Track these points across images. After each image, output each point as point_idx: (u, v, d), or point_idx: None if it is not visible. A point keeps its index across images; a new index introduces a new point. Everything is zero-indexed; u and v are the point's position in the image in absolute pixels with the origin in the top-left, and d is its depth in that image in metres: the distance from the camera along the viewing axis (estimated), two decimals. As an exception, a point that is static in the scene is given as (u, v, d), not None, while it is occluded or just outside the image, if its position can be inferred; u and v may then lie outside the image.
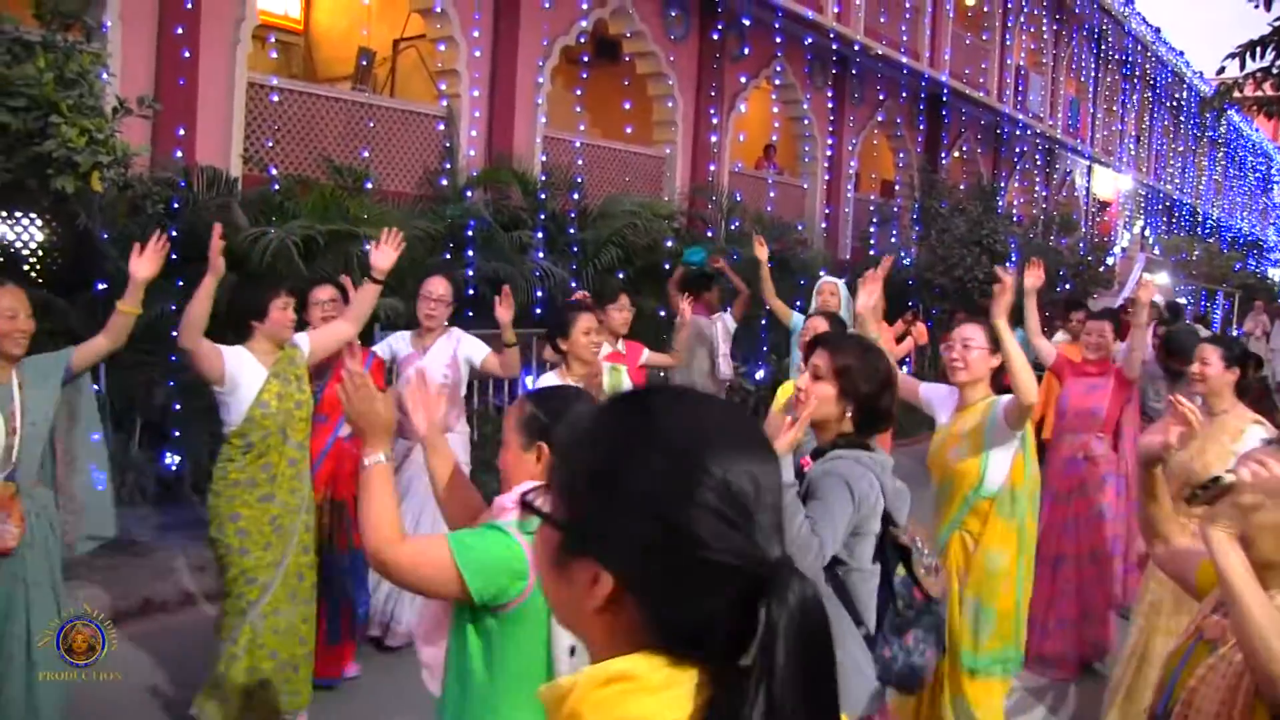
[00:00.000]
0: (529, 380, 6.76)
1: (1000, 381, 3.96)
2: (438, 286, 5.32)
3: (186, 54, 7.95)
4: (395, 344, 5.36)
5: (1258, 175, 44.50)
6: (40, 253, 6.65)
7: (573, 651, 2.20)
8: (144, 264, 3.85)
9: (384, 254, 4.30)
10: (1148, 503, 2.58)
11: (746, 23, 13.38)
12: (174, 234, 6.86)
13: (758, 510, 0.97)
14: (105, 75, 5.50)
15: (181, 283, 6.72)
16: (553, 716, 0.97)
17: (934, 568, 2.85)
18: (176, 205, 6.98)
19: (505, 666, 2.19)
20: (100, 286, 6.22)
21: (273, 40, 11.23)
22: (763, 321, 10.14)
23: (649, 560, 0.95)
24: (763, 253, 7.13)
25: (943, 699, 3.79)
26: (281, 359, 4.22)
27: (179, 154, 7.66)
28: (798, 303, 7.12)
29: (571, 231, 9.90)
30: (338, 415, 4.80)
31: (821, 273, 10.26)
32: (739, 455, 0.98)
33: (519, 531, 2.16)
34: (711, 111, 13.33)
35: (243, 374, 4.09)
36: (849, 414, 2.79)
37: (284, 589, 4.16)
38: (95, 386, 5.67)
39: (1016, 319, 4.65)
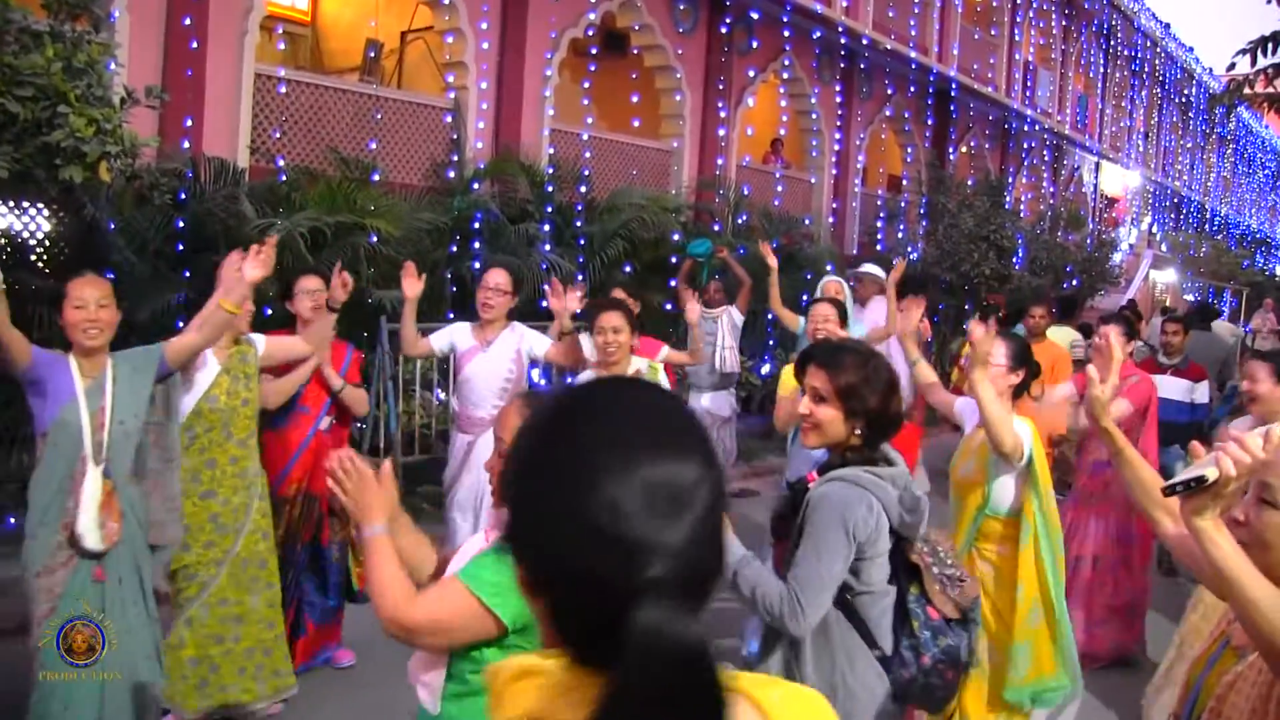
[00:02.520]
0: (535, 374, 6.75)
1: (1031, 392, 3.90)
2: (496, 276, 5.21)
3: (194, 45, 7.95)
4: (456, 336, 5.24)
5: (1267, 172, 44.32)
6: (47, 243, 6.66)
7: None
8: (254, 268, 3.85)
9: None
10: (1120, 466, 2.54)
11: (755, 16, 13.36)
12: (180, 225, 6.92)
13: (647, 527, 0.92)
14: (113, 65, 5.50)
15: (189, 274, 6.75)
16: (489, 695, 1.02)
17: (955, 579, 2.74)
18: (184, 196, 6.99)
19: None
20: (108, 277, 6.20)
21: (280, 31, 11.23)
22: (769, 315, 10.12)
23: (540, 564, 0.97)
24: (772, 260, 7.11)
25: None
26: (234, 355, 4.26)
27: (186, 145, 7.66)
28: (804, 296, 7.11)
29: (578, 224, 9.89)
30: (319, 406, 4.82)
31: (829, 268, 10.26)
32: (646, 466, 0.94)
33: None
34: (719, 105, 13.30)
35: (198, 365, 4.12)
36: (858, 431, 2.68)
37: (232, 579, 4.18)
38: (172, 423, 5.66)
39: (1015, 320, 4.67)
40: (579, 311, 5.16)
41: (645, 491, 0.93)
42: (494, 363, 5.12)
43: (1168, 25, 28.99)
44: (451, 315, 5.51)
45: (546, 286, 5.24)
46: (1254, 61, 12.94)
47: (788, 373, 4.36)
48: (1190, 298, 22.92)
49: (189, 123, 7.80)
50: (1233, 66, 13.70)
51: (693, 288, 8.32)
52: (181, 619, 4.13)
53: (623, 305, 4.94)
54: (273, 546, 4.39)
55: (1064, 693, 3.80)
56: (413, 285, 4.96)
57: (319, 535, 4.89)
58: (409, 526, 2.44)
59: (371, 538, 2.20)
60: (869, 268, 7.45)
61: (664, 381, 4.79)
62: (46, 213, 6.41)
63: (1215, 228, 35.51)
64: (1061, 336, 8.41)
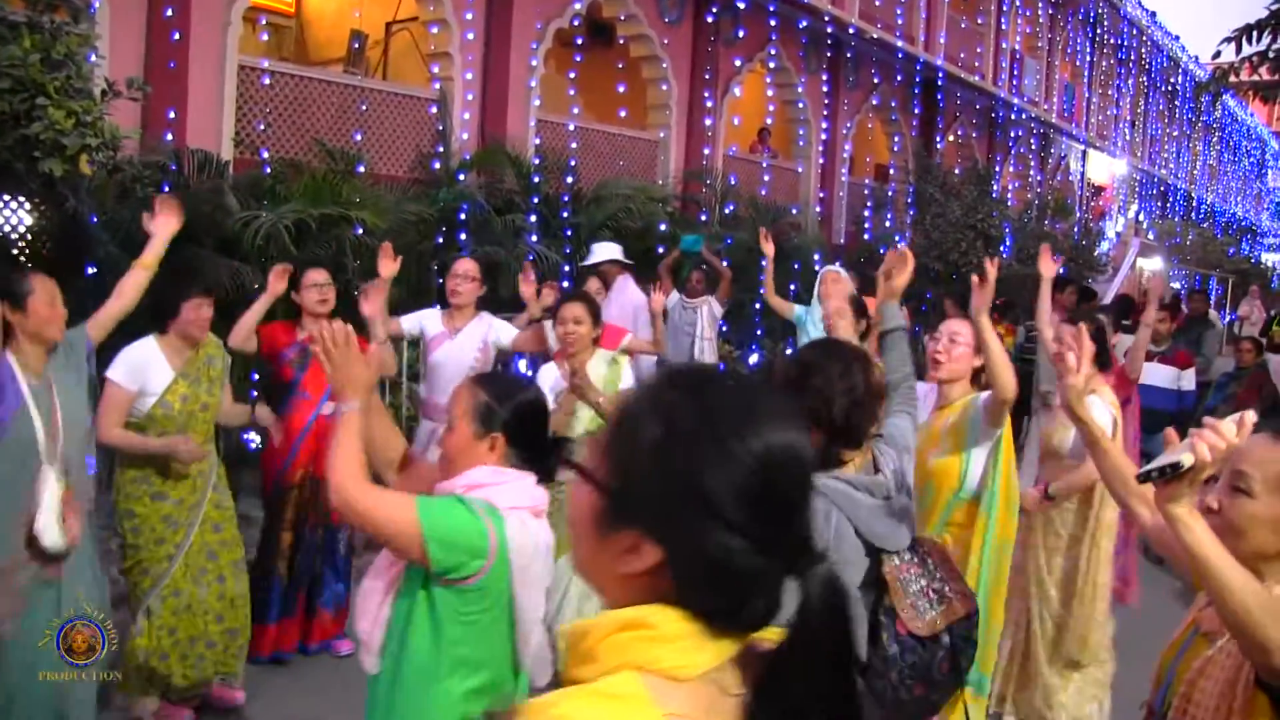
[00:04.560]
0: (522, 365, 6.74)
1: (982, 381, 3.87)
2: (464, 264, 5.37)
3: (176, 36, 7.89)
4: (425, 321, 5.34)
5: (1252, 160, 44.49)
6: (29, 237, 6.60)
7: (548, 627, 2.22)
8: (164, 222, 3.91)
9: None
10: (1097, 456, 2.54)
11: (741, 6, 13.31)
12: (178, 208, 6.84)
13: (797, 499, 1.05)
14: (93, 57, 5.45)
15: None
16: (569, 656, 1.04)
17: (941, 595, 2.67)
18: (167, 188, 6.93)
19: (450, 638, 2.24)
20: (91, 270, 6.17)
21: (264, 23, 11.17)
22: (756, 305, 10.12)
23: (689, 541, 1.01)
24: (769, 249, 7.12)
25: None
26: (197, 359, 4.22)
27: (169, 137, 7.61)
28: (791, 286, 7.11)
29: (565, 215, 9.86)
30: (320, 392, 4.82)
31: (837, 262, 10.25)
32: (784, 443, 1.04)
33: (486, 514, 2.22)
34: (706, 95, 13.27)
35: (149, 373, 4.09)
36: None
37: (185, 570, 4.18)
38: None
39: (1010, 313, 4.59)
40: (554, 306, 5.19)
41: (792, 464, 1.05)
42: (461, 350, 5.21)
43: (1154, 14, 29.03)
44: (437, 307, 5.54)
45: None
46: (1239, 49, 12.97)
47: None
48: (1177, 285, 23.00)
49: (172, 115, 7.74)
50: (1218, 54, 13.73)
51: (675, 279, 8.34)
52: (140, 611, 4.14)
53: (585, 296, 4.97)
54: (227, 539, 4.35)
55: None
56: (388, 266, 4.95)
57: (329, 518, 4.90)
58: (382, 411, 2.62)
59: (346, 412, 2.31)
60: (608, 250, 7.23)
61: (628, 373, 4.77)
62: (27, 206, 6.36)
63: (1201, 216, 35.64)
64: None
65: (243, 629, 4.42)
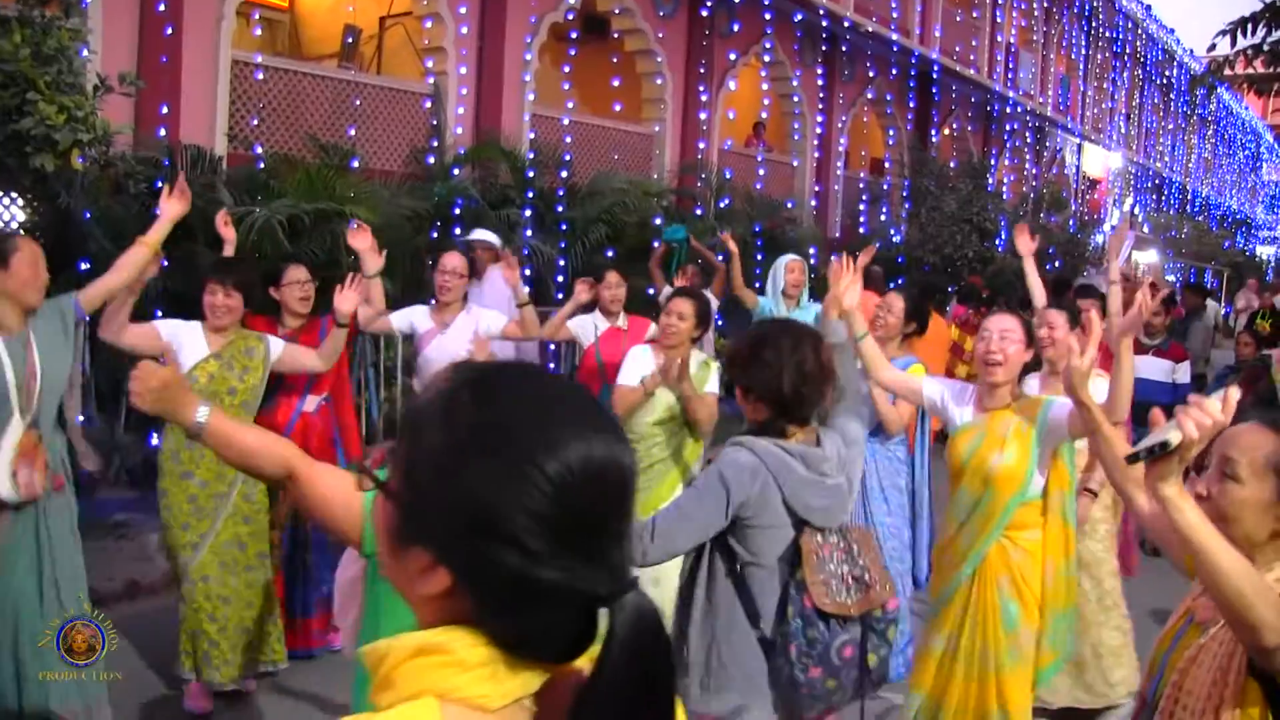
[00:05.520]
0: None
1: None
2: (452, 259, 5.37)
3: (169, 31, 7.86)
4: (414, 318, 5.35)
5: (1247, 153, 44.52)
6: (22, 232, 6.58)
7: None
8: (174, 203, 3.99)
9: (346, 299, 4.32)
10: (1098, 442, 2.54)
11: (735, 0, 13.30)
12: (157, 213, 6.82)
13: (603, 519, 0.94)
14: (85, 52, 5.43)
15: (166, 263, 6.67)
16: (372, 678, 0.95)
17: (860, 582, 2.63)
18: (160, 184, 6.90)
19: (400, 629, 2.21)
20: (84, 266, 6.15)
21: (257, 17, 11.13)
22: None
23: (482, 568, 0.91)
24: (733, 247, 7.40)
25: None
26: (235, 345, 4.32)
27: (162, 132, 7.58)
28: (759, 284, 7.20)
29: (560, 210, 9.85)
30: (302, 385, 4.83)
31: (811, 251, 10.26)
32: (587, 458, 0.93)
33: None
34: (701, 89, 13.25)
35: (183, 346, 4.21)
36: (763, 409, 2.69)
37: (214, 559, 4.25)
38: (80, 365, 5.65)
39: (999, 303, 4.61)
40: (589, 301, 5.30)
41: (595, 478, 0.93)
42: (452, 344, 5.20)
43: (1149, 6, 29.05)
44: (434, 302, 5.53)
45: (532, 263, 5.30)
46: (1234, 42, 12.95)
47: None
48: (1172, 278, 23.02)
49: (165, 110, 7.71)
50: (1213, 47, 13.71)
51: (665, 272, 8.36)
52: (180, 592, 4.27)
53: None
54: (256, 531, 4.40)
55: (1059, 666, 3.72)
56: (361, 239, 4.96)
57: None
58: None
59: (207, 421, 1.97)
60: (481, 233, 7.22)
61: (714, 378, 4.67)
62: (20, 202, 6.34)
63: (1196, 208, 35.69)
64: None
65: (276, 615, 4.52)
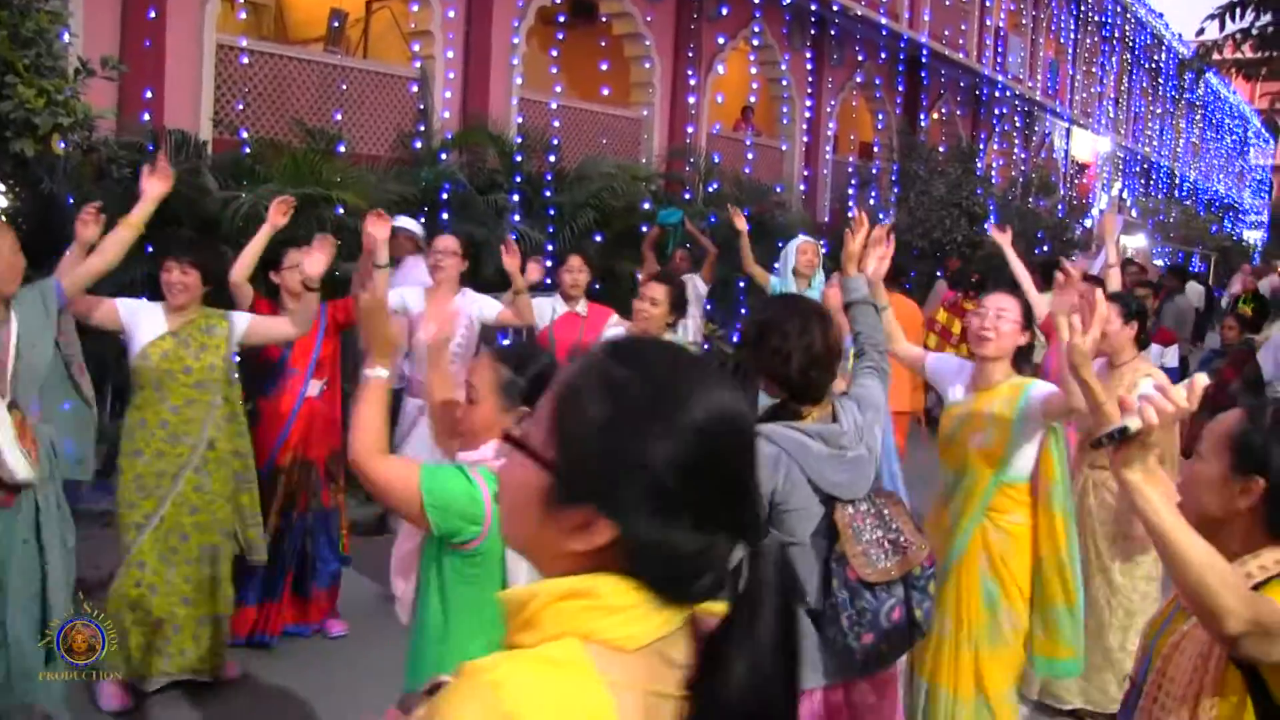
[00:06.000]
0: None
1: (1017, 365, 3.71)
2: (446, 240, 5.37)
3: (152, 14, 7.77)
4: (408, 298, 5.30)
5: (1234, 138, 44.58)
6: (4, 218, 6.53)
7: None
8: (156, 182, 3.98)
9: (314, 261, 4.30)
10: (1099, 421, 2.54)
11: (724, -18, 13.23)
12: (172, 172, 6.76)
13: (743, 466, 1.06)
14: (66, 36, 5.37)
15: (151, 249, 6.63)
16: (510, 622, 1.03)
17: (897, 545, 2.69)
18: (144, 169, 6.85)
19: (457, 601, 2.35)
20: (68, 253, 6.11)
21: (242, 1, 11.03)
22: (740, 284, 10.10)
23: (646, 520, 1.00)
24: (742, 223, 7.19)
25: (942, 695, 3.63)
26: (194, 323, 4.25)
27: (146, 117, 7.52)
28: (774, 266, 7.10)
29: (548, 194, 9.80)
30: (306, 367, 4.80)
31: (801, 235, 10.21)
32: (727, 411, 1.05)
33: (484, 480, 2.28)
34: (689, 73, 13.20)
35: (140, 324, 4.17)
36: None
37: (152, 545, 4.16)
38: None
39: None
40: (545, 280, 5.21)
41: (741, 435, 1.07)
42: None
43: (1137, -10, 29.02)
44: (465, 288, 5.52)
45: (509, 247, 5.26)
46: (1222, 27, 12.95)
47: None
48: (1160, 263, 23.07)
49: (149, 95, 7.65)
50: (1201, 32, 13.72)
51: (659, 256, 8.34)
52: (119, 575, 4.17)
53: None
54: (203, 523, 4.29)
55: (1075, 666, 3.74)
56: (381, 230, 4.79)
57: (320, 500, 4.92)
58: (445, 367, 2.75)
59: (371, 378, 2.39)
60: (403, 221, 7.18)
61: None
62: (3, 188, 6.29)
63: (1184, 193, 35.75)
64: (1043, 304, 8.42)
65: (219, 619, 4.37)
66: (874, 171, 17.11)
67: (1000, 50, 21.48)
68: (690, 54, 13.20)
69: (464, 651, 2.26)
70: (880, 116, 18.00)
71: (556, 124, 11.06)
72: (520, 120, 10.78)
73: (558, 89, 11.64)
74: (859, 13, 15.66)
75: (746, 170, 13.46)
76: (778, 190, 13.79)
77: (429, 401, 2.74)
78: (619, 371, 1.05)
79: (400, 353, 2.50)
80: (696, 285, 8.18)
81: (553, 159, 10.33)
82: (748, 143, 14.32)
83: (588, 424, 1.03)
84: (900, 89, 18.02)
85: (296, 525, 4.90)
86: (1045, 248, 16.44)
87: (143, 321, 4.19)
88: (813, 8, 14.91)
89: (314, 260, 4.28)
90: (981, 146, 19.37)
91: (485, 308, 5.32)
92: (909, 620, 2.72)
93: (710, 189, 12.16)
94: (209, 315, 4.31)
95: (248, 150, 7.89)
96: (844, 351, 2.89)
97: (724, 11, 13.58)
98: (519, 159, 9.87)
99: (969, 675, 3.60)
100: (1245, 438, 1.98)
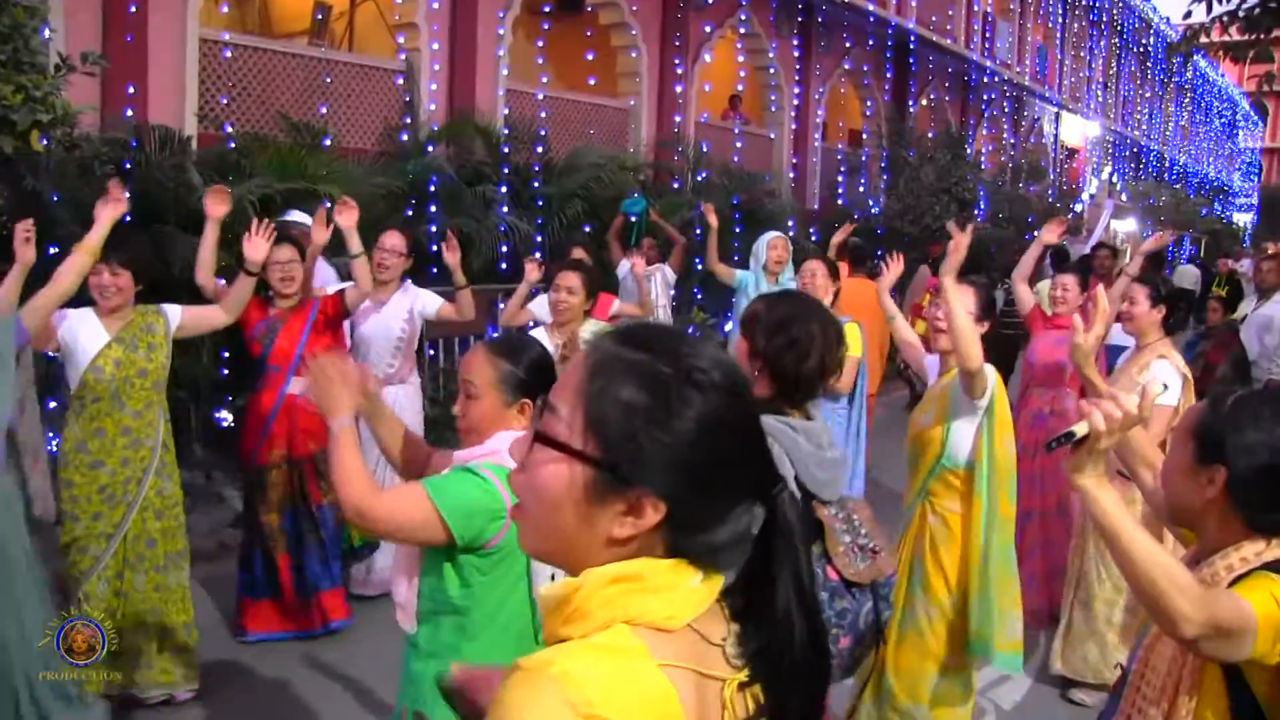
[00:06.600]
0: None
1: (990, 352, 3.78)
2: (390, 238, 5.37)
3: (134, 9, 7.72)
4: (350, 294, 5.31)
5: (1223, 120, 44.68)
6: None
7: (553, 577, 2.24)
8: (108, 208, 3.87)
9: (255, 246, 4.29)
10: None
11: (710, -29, 13.19)
12: (126, 196, 6.72)
13: (754, 413, 1.13)
14: (46, 31, 5.33)
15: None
16: (553, 616, 1.05)
17: (868, 549, 2.67)
18: (129, 166, 6.82)
19: (483, 598, 2.32)
20: (52, 250, 6.06)
21: (225, -5, 10.94)
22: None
23: (692, 488, 1.05)
24: (713, 219, 7.23)
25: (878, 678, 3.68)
26: (133, 324, 4.15)
27: (129, 113, 7.47)
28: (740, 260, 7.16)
29: (536, 186, 9.79)
30: (287, 365, 4.78)
31: (789, 223, 10.22)
32: (730, 364, 1.12)
33: (494, 475, 2.25)
34: (676, 62, 13.16)
35: (79, 336, 4.04)
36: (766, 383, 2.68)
37: (123, 555, 4.09)
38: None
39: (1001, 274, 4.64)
40: (542, 280, 5.26)
41: (746, 382, 1.14)
42: (387, 322, 5.29)
43: (1125, -26, 29.01)
44: (408, 281, 5.50)
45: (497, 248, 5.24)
46: (1209, 9, 12.94)
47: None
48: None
49: (132, 90, 7.59)
50: (1189, 15, 13.69)
51: (624, 245, 8.36)
52: (79, 593, 4.03)
53: (583, 266, 4.98)
54: (169, 529, 4.24)
55: (1014, 661, 3.74)
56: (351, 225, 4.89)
57: (310, 499, 4.87)
58: (393, 420, 2.65)
59: (338, 431, 2.32)
60: (296, 215, 7.06)
61: None
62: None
63: (1174, 176, 35.82)
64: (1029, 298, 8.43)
65: (183, 628, 4.29)
66: (863, 159, 17.10)
67: (988, 35, 21.47)
68: (677, 43, 13.16)
69: (497, 646, 2.27)
70: (869, 103, 17.98)
71: (543, 115, 11.02)
72: (507, 112, 10.74)
73: (544, 80, 11.60)
74: (846, -1, 15.65)
75: (735, 159, 13.44)
76: (767, 179, 13.78)
77: (381, 447, 2.66)
78: (634, 355, 1.08)
79: (356, 399, 2.42)
80: (665, 275, 8.23)
81: (540, 150, 10.31)
82: (736, 131, 14.30)
83: (624, 409, 1.05)
84: (888, 75, 18.01)
85: (297, 523, 4.86)
86: (1036, 233, 16.46)
87: (81, 334, 4.06)
88: (800, -5, 14.88)
89: (256, 245, 4.30)
90: (970, 132, 19.38)
91: (428, 304, 5.34)
92: (876, 626, 2.68)
93: (699, 178, 12.14)
94: (144, 313, 4.20)
95: (233, 145, 7.85)
96: None
97: (710, 0, 13.54)
98: (506, 150, 9.85)
99: (890, 656, 3.66)
100: (1206, 427, 1.98)
